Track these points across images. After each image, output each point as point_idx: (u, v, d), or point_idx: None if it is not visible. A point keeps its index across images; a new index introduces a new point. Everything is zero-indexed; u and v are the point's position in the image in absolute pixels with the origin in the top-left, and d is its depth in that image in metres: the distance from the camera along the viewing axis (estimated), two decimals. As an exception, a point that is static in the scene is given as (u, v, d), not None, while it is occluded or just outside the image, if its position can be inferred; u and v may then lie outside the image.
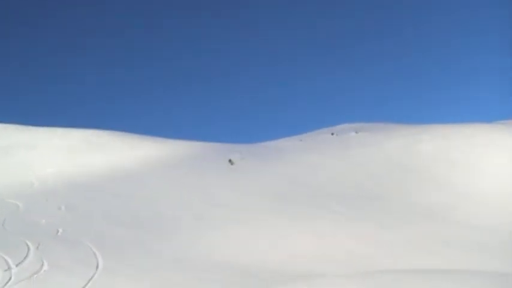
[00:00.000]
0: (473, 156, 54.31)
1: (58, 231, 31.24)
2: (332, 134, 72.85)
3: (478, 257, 29.23)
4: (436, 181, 47.89)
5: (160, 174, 50.05)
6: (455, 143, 58.90)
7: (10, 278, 22.08)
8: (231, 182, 48.23)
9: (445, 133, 64.39)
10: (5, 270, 23.07)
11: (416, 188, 46.13)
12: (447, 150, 56.50)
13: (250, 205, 41.27)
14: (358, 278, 21.67)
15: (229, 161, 56.79)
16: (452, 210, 40.29)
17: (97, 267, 25.22)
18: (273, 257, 29.57)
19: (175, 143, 70.76)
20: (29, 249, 26.88)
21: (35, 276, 22.84)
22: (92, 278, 23.27)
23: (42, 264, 24.53)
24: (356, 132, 70.16)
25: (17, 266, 23.96)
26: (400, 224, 37.47)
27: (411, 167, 52.47)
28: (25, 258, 25.28)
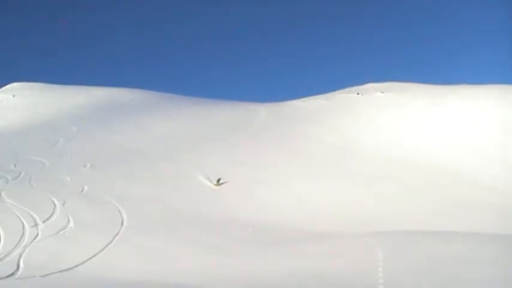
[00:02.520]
0: (500, 117, 53.26)
1: (83, 189, 31.82)
2: (358, 93, 71.87)
3: (499, 221, 28.99)
4: (462, 144, 47.20)
5: (183, 134, 50.31)
6: (483, 104, 57.74)
7: (37, 234, 22.73)
8: (254, 141, 48.32)
9: (472, 94, 63.10)
10: (32, 227, 23.73)
11: (439, 150, 45.60)
12: (474, 111, 55.45)
13: (272, 164, 41.41)
14: (377, 238, 21.86)
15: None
16: (479, 174, 39.79)
17: (122, 223, 25.80)
18: (293, 216, 29.84)
19: (199, 102, 70.96)
20: (55, 206, 27.52)
21: (62, 232, 23.48)
22: (117, 234, 23.86)
23: (68, 221, 25.16)
24: (382, 93, 69.16)
25: (43, 222, 24.62)
26: (420, 184, 37.28)
27: (436, 128, 51.72)
28: (51, 215, 25.97)
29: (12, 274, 17.35)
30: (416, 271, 16.33)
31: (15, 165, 36.74)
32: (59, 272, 17.78)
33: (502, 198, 34.71)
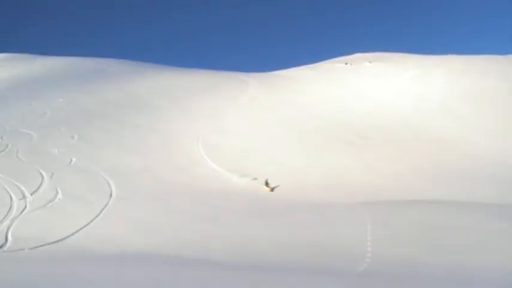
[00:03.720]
0: (486, 88, 53.59)
1: (71, 161, 31.61)
2: (346, 63, 71.75)
3: (484, 189, 29.35)
4: (450, 113, 47.46)
5: (174, 104, 49.99)
6: (469, 75, 57.98)
7: (25, 207, 22.56)
8: (244, 111, 48.18)
9: (459, 65, 63.29)
10: (20, 199, 23.53)
11: (428, 120, 45.85)
12: (461, 82, 55.69)
13: (261, 134, 41.39)
14: (366, 208, 22.04)
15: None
16: (464, 144, 40.08)
17: (110, 195, 25.72)
18: (284, 186, 29.90)
19: (189, 72, 70.40)
20: (43, 178, 27.30)
21: (50, 204, 23.33)
22: (106, 205, 23.79)
23: (57, 193, 25.00)
24: (370, 63, 69.11)
25: (31, 194, 24.43)
26: (410, 154, 37.51)
27: (423, 97, 51.91)
28: (39, 187, 25.76)
29: (1, 247, 17.28)
30: (404, 240, 16.53)
31: (1, 138, 36.31)
32: (48, 244, 17.72)
33: (487, 166, 35.10)
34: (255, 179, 31.39)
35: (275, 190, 29.40)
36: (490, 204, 22.07)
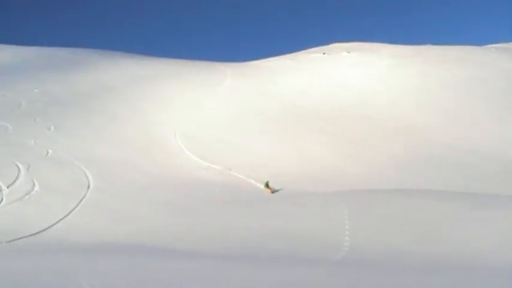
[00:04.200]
0: (462, 78, 54.23)
1: (48, 152, 31.34)
2: (324, 53, 71.90)
3: (461, 178, 29.75)
4: (427, 102, 47.90)
5: (151, 94, 49.70)
6: (444, 65, 58.58)
7: (2, 199, 22.39)
8: (221, 102, 48.14)
9: (436, 55, 63.91)
10: (-4, 192, 23.39)
11: (405, 110, 46.27)
12: (437, 72, 56.27)
13: (240, 125, 41.45)
14: (343, 197, 22.26)
15: None
16: (441, 134, 40.49)
17: (88, 186, 25.63)
18: (261, 176, 30.02)
19: (166, 62, 69.94)
20: (19, 170, 27.04)
21: (27, 197, 23.17)
22: (84, 197, 23.71)
23: (34, 185, 24.81)
24: (348, 52, 69.36)
25: (8, 187, 24.20)
26: (388, 143, 37.82)
27: (400, 87, 52.36)
28: (16, 179, 25.52)
29: (-22, 240, 17.15)
30: (383, 230, 16.69)
31: (-24, 130, 35.85)
32: (26, 237, 17.66)
33: (464, 156, 35.52)
34: (230, 170, 31.50)
35: (259, 182, 29.27)
36: (468, 193, 22.36)
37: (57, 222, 19.58)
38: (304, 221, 18.82)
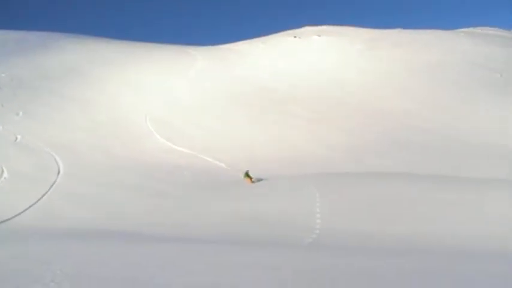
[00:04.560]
0: (432, 62, 54.87)
1: (17, 138, 30.95)
2: (294, 37, 71.90)
3: (431, 161, 30.21)
4: (396, 85, 48.36)
5: (120, 78, 49.22)
6: (414, 49, 59.22)
7: (-30, 187, 22.19)
8: (192, 86, 47.94)
9: (406, 38, 64.50)
10: (-36, 179, 23.10)
11: (377, 94, 46.65)
12: (407, 56, 56.84)
13: (210, 109, 41.38)
14: (317, 179, 22.49)
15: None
16: (410, 117, 40.96)
17: (58, 172, 25.44)
18: (231, 160, 30.13)
19: (135, 45, 69.14)
20: (-13, 156, 26.78)
21: (-4, 183, 23.02)
22: (54, 182, 23.55)
23: (2, 172, 24.51)
24: (319, 36, 69.49)
25: (-24, 174, 23.98)
26: (360, 127, 38.07)
27: (370, 70, 52.74)
28: (-16, 166, 25.29)
29: None
30: (353, 212, 16.94)
31: None
32: (-5, 223, 17.53)
33: (432, 139, 36.07)
34: (200, 154, 31.54)
35: (230, 165, 29.34)
36: (437, 176, 22.76)
37: (27, 208, 19.45)
38: (276, 205, 18.98)
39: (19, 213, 18.74)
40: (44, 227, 16.56)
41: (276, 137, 35.69)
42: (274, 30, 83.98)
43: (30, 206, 19.73)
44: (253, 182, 25.02)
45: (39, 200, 20.72)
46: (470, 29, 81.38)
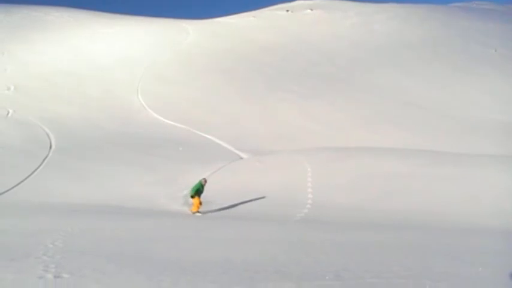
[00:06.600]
0: (426, 36, 54.73)
1: (8, 113, 30.80)
2: (287, 11, 71.44)
3: (424, 138, 30.21)
4: (390, 61, 48.20)
5: (112, 52, 48.89)
6: (408, 24, 58.97)
7: (-39, 160, 22.07)
8: (184, 60, 47.67)
9: (400, 13, 64.15)
10: (-45, 153, 22.94)
11: (370, 69, 46.49)
12: (401, 31, 56.59)
13: (202, 83, 41.23)
14: (307, 155, 22.48)
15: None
16: (404, 93, 40.87)
17: (50, 146, 25.34)
18: (224, 135, 30.11)
19: (127, 19, 68.50)
20: (-22, 131, 26.63)
21: (-13, 159, 22.88)
22: (46, 157, 23.46)
23: (-6, 146, 24.47)
24: (311, 10, 69.06)
25: (-33, 148, 23.85)
26: (353, 103, 38.03)
27: (364, 46, 52.52)
28: (-25, 140, 25.15)
29: None
30: (346, 187, 16.89)
31: None
32: (-12, 198, 17.47)
33: (425, 115, 36.06)
34: (192, 128, 31.50)
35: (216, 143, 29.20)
36: (429, 151, 22.73)
37: (19, 183, 19.38)
38: (268, 179, 18.99)
39: (11, 188, 18.67)
40: (35, 202, 16.51)
41: (269, 112, 35.63)
42: (267, 4, 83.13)
43: (22, 181, 19.66)
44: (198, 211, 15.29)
45: (31, 174, 20.64)
46: (465, 3, 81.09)
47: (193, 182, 15.65)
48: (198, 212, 14.95)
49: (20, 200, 16.95)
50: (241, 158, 25.16)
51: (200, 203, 15.07)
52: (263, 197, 16.19)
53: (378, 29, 57.66)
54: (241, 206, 14.94)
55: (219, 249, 7.74)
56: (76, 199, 17.02)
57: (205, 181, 15.89)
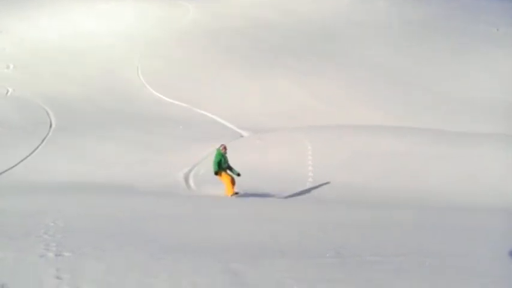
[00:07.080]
0: (427, 16, 54.30)
1: (8, 91, 30.74)
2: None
3: (424, 116, 30.20)
4: (390, 40, 47.91)
5: (111, 29, 48.62)
6: (409, 2, 58.46)
7: (-39, 144, 22.02)
8: (184, 38, 47.45)
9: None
10: (-45, 134, 22.91)
11: (370, 46, 46.24)
12: (402, 9, 56.13)
13: (203, 61, 41.10)
14: (308, 132, 22.46)
15: None
16: (402, 72, 40.64)
17: (50, 125, 25.34)
18: (224, 113, 30.11)
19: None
20: (-22, 110, 26.59)
21: (-12, 137, 22.87)
22: (46, 136, 23.46)
23: (-6, 125, 24.44)
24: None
25: (-32, 127, 23.84)
26: (353, 80, 37.98)
27: (367, 23, 52.15)
28: (-25, 120, 25.11)
29: None
30: (346, 166, 16.96)
31: None
32: (-12, 177, 17.49)
33: (424, 95, 36.01)
34: (193, 106, 31.48)
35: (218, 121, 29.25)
36: (427, 129, 22.71)
37: (20, 162, 19.41)
38: (269, 156, 19.02)
39: (11, 167, 18.71)
40: (35, 181, 16.53)
41: (269, 89, 35.57)
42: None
43: (22, 160, 19.70)
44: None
45: (31, 153, 20.67)
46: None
47: (202, 156, 15.30)
48: (236, 193, 13.12)
49: (20, 179, 16.98)
50: (242, 136, 25.16)
51: (232, 182, 13.32)
52: (263, 175, 16.23)
53: (379, 7, 57.21)
54: (242, 184, 14.97)
55: (220, 227, 7.80)
56: (76, 178, 17.05)
57: (225, 148, 13.91)
